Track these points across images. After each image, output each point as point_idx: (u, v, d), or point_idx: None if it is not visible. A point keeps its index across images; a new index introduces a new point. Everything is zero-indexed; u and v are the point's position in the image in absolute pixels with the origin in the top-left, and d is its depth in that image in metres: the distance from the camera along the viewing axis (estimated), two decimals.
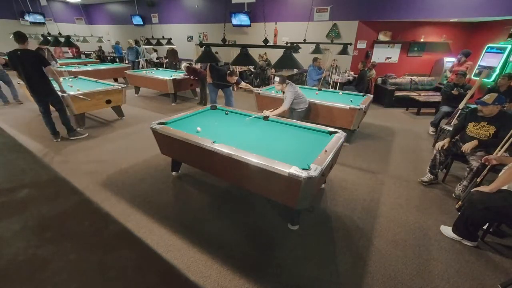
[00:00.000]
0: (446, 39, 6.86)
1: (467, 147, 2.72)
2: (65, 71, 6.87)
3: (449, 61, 6.88)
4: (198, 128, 2.78)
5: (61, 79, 5.58)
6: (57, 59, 8.31)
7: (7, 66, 3.57)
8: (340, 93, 5.09)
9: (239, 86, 4.80)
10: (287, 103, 3.53)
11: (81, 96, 4.27)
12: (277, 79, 3.65)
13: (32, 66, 3.57)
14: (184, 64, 6.62)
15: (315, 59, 6.26)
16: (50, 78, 3.84)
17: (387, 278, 1.89)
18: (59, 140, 4.12)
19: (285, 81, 3.65)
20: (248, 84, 4.94)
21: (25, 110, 5.70)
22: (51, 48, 7.64)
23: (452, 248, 2.19)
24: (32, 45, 6.37)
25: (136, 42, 10.67)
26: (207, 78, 5.04)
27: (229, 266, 1.95)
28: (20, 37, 3.52)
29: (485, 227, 2.27)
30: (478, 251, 2.16)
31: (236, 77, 4.59)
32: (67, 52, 11.91)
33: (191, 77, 6.26)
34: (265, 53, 8.38)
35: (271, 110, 3.44)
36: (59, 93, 4.08)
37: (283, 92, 3.75)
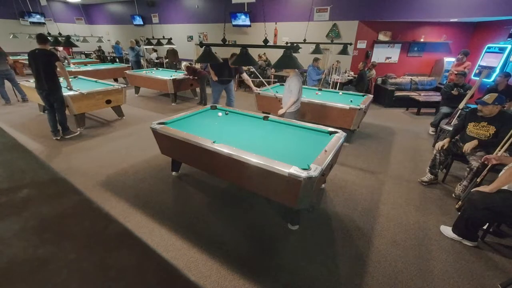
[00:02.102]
0: (446, 39, 6.86)
1: (467, 147, 2.72)
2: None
3: (449, 61, 6.88)
4: (220, 114, 3.33)
5: (61, 78, 5.60)
6: None
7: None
8: (340, 93, 5.09)
9: (241, 76, 4.74)
10: (295, 94, 3.29)
11: (78, 92, 4.34)
12: None
13: (43, 63, 3.78)
14: (184, 63, 6.62)
15: (315, 59, 6.27)
16: (61, 79, 4.07)
17: (387, 278, 1.90)
18: (58, 138, 4.16)
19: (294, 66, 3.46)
20: (249, 80, 4.87)
21: (26, 110, 5.70)
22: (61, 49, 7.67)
23: (452, 248, 2.19)
24: (33, 45, 6.43)
25: (137, 42, 10.67)
26: (212, 77, 4.87)
27: (229, 266, 1.95)
28: (40, 38, 3.80)
29: (485, 227, 2.27)
30: (478, 251, 2.16)
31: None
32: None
33: (191, 77, 6.26)
34: (264, 53, 8.38)
35: (281, 109, 3.42)
36: (67, 92, 4.23)
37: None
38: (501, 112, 2.66)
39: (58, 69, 3.89)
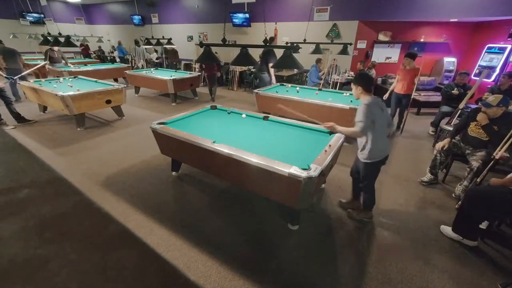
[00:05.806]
0: (446, 39, 6.86)
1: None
2: (65, 71, 6.87)
3: (449, 61, 6.88)
4: (243, 115, 3.28)
5: (61, 78, 5.63)
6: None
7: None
8: (347, 93, 4.95)
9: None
10: (360, 125, 1.98)
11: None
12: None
13: None
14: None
15: (318, 60, 6.27)
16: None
17: (387, 278, 1.89)
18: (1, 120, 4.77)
19: (360, 83, 2.07)
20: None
21: (26, 110, 5.68)
22: (62, 49, 7.66)
23: (452, 248, 2.19)
24: (33, 45, 6.40)
25: (136, 42, 10.65)
26: (272, 75, 5.47)
27: (229, 266, 1.95)
28: None
29: (485, 227, 2.27)
30: (478, 251, 2.16)
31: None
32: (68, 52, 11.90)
33: (204, 73, 6.35)
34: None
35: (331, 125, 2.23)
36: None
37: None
38: (505, 113, 2.65)
39: None
